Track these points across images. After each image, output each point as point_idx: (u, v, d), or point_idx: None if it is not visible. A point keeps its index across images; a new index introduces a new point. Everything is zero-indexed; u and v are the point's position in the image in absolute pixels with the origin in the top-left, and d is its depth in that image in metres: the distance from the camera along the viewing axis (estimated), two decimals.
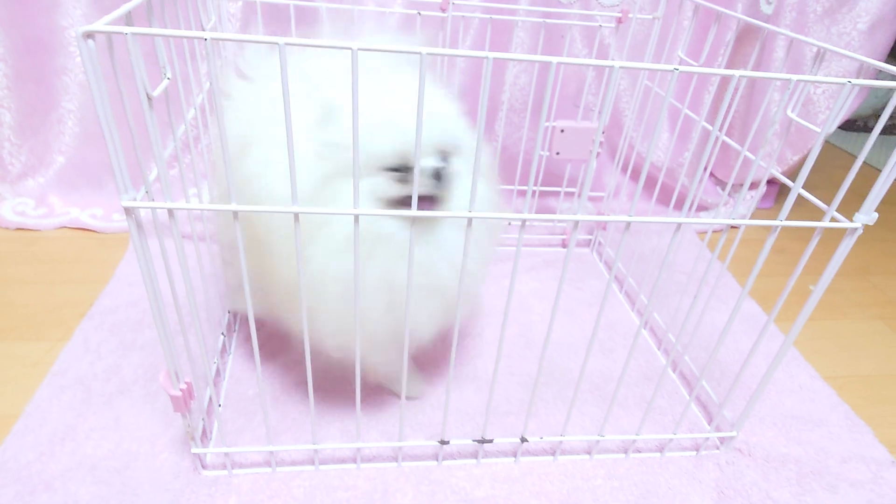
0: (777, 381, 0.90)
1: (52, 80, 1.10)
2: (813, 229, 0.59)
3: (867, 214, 0.56)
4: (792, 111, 0.63)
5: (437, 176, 0.58)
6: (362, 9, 0.96)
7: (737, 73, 0.46)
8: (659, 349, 0.95)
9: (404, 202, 0.58)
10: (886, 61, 0.72)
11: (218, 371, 0.80)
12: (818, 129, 0.63)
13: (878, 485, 0.74)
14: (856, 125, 2.15)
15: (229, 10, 1.04)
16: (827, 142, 2.05)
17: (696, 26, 0.99)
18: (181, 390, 0.59)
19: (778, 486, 0.73)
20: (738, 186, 1.38)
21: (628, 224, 0.56)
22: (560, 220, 1.02)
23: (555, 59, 0.45)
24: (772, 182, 1.46)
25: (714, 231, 1.31)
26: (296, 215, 0.49)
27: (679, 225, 0.58)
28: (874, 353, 1.01)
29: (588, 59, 0.51)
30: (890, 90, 0.51)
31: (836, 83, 0.48)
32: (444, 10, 0.90)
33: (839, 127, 2.15)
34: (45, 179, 1.16)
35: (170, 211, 0.49)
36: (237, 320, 0.90)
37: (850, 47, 1.17)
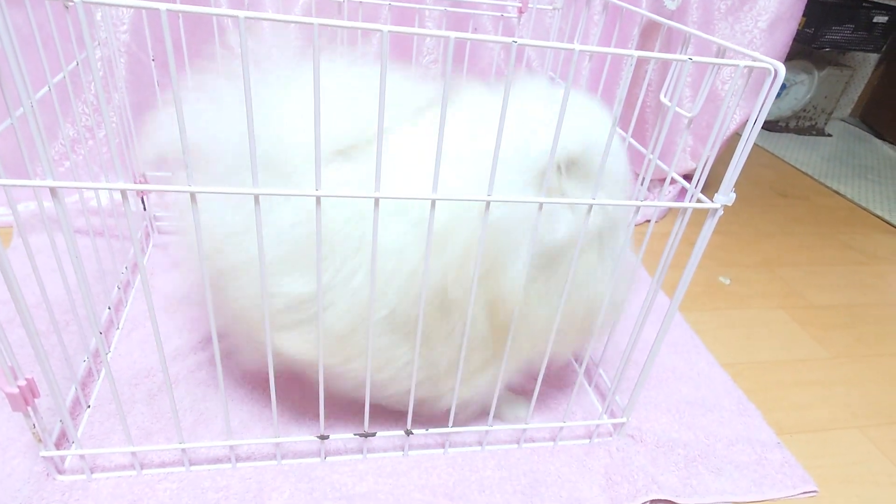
0: (676, 369, 0.91)
1: None
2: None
3: (725, 195, 0.56)
4: (665, 96, 0.64)
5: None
6: None
7: (577, 47, 0.46)
8: None
9: None
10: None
11: (90, 371, 0.75)
12: (687, 114, 0.63)
13: (762, 465, 0.76)
14: (777, 126, 2.24)
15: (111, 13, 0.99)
16: None
17: (606, 21, 0.99)
18: (19, 387, 0.54)
19: (665, 470, 0.73)
20: (659, 181, 1.41)
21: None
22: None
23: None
24: (689, 176, 1.49)
25: (636, 225, 1.33)
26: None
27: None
28: (772, 340, 1.04)
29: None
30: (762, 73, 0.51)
31: (677, 59, 0.48)
32: None
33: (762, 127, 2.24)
34: None
35: None
36: (121, 318, 0.85)
37: (753, 44, 1.21)
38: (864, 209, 1.64)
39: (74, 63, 0.72)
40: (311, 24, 0.42)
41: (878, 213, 1.61)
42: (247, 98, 0.43)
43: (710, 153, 0.58)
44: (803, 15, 2.09)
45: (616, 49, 0.46)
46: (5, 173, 0.51)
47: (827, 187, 1.76)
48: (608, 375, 0.84)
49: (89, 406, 0.71)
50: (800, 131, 2.24)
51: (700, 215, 0.59)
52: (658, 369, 0.90)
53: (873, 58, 2.31)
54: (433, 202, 0.50)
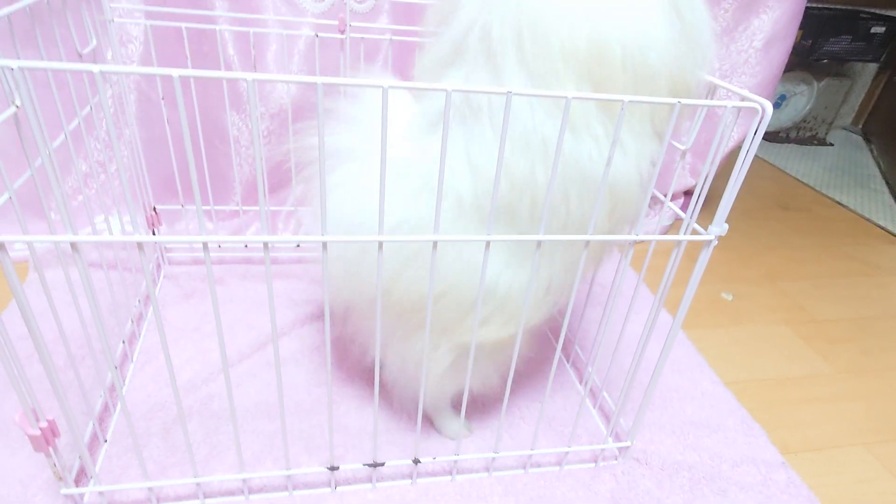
0: (680, 389, 0.92)
1: None
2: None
3: (719, 226, 0.58)
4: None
5: None
6: (259, 31, 0.96)
7: (570, 95, 0.48)
8: (568, 362, 0.96)
9: None
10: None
11: (107, 405, 0.77)
12: (681, 146, 0.65)
13: (767, 486, 0.77)
14: (778, 136, 2.25)
15: (131, 32, 1.02)
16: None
17: None
18: (41, 429, 0.56)
19: (671, 493, 0.74)
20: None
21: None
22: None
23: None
24: (688, 193, 1.51)
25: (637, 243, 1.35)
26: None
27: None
28: (775, 356, 1.05)
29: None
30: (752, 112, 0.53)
31: (667, 103, 0.50)
32: (342, 32, 0.91)
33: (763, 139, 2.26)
34: None
35: None
36: (134, 351, 0.88)
37: (749, 64, 1.23)
38: (867, 220, 1.64)
39: (88, 108, 0.75)
40: (315, 83, 0.44)
41: (882, 223, 1.62)
42: (256, 146, 0.46)
43: (702, 186, 0.59)
44: (800, 27, 2.11)
45: (606, 95, 0.48)
46: (21, 207, 0.54)
47: (829, 198, 1.76)
48: (612, 397, 0.85)
49: (106, 441, 0.73)
50: (801, 141, 2.25)
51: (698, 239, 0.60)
52: (662, 390, 0.91)
53: (873, 67, 2.32)
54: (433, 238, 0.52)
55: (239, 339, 0.92)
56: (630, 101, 0.48)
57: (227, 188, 1.17)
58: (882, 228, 1.60)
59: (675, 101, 0.50)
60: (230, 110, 1.09)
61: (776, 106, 2.24)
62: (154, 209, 1.03)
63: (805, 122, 2.23)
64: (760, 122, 0.52)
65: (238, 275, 1.09)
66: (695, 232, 0.61)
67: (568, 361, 0.96)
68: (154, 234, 1.05)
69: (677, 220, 1.47)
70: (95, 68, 0.40)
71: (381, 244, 0.52)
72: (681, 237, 0.60)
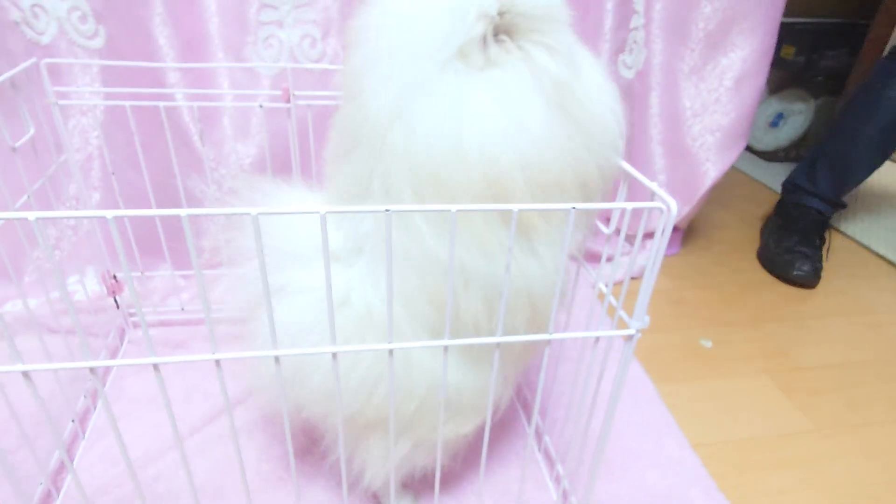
0: (644, 455, 0.89)
1: None
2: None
3: (639, 320, 0.55)
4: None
5: None
6: (203, 105, 0.97)
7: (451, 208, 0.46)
8: (529, 426, 0.93)
9: None
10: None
11: (50, 492, 0.77)
12: (606, 230, 0.63)
13: None
14: (777, 156, 2.19)
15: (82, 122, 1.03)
16: (744, 174, 2.08)
17: None
18: None
19: None
20: (629, 236, 1.39)
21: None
22: None
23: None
24: (676, 228, 1.47)
25: (616, 283, 1.31)
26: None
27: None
28: (752, 413, 1.00)
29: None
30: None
31: (561, 209, 0.48)
32: (287, 101, 0.90)
33: (760, 156, 2.20)
34: None
35: None
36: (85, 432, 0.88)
37: (720, 103, 1.20)
38: (866, 248, 1.58)
39: (25, 197, 0.76)
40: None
41: (881, 251, 1.55)
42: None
43: (629, 279, 0.57)
44: (792, 44, 2.06)
45: (494, 205, 0.47)
46: None
47: None
48: (568, 468, 0.82)
49: None
50: (800, 160, 2.18)
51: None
52: (624, 456, 0.88)
53: None
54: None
55: (194, 410, 0.92)
56: (519, 209, 0.46)
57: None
58: (881, 258, 1.53)
59: (569, 206, 0.47)
60: (191, 173, 1.09)
61: (773, 125, 2.18)
62: (115, 277, 1.04)
63: (804, 139, 2.17)
64: (667, 223, 0.49)
65: (201, 337, 1.09)
66: (622, 323, 0.58)
67: (530, 425, 0.93)
68: (115, 300, 1.05)
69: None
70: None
71: (277, 358, 0.51)
72: (601, 333, 0.57)
